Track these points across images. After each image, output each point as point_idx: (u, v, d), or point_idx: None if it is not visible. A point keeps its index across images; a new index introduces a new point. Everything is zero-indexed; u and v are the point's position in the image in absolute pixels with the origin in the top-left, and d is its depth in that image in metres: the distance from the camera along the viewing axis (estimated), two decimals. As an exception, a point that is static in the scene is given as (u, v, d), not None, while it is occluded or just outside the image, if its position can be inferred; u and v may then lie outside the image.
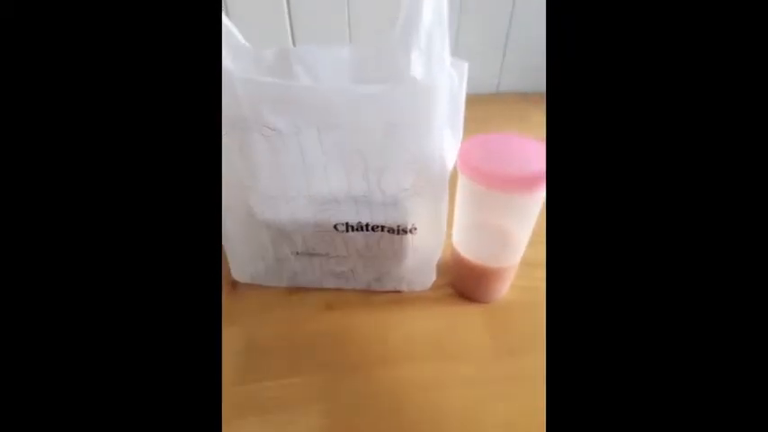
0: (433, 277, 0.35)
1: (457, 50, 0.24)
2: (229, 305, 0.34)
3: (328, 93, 0.25)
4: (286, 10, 0.63)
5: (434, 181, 0.28)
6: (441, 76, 0.25)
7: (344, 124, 0.26)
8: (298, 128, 0.26)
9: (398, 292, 0.35)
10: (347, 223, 0.30)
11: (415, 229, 0.30)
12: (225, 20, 0.26)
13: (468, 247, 0.32)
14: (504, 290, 0.34)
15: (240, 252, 0.34)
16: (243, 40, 0.28)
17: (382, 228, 0.30)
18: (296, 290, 0.35)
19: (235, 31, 0.27)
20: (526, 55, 0.73)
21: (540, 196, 0.28)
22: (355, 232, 0.31)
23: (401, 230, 0.30)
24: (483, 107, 0.46)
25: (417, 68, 0.24)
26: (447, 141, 0.28)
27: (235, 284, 0.36)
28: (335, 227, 0.30)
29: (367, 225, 0.30)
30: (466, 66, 0.26)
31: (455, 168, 0.29)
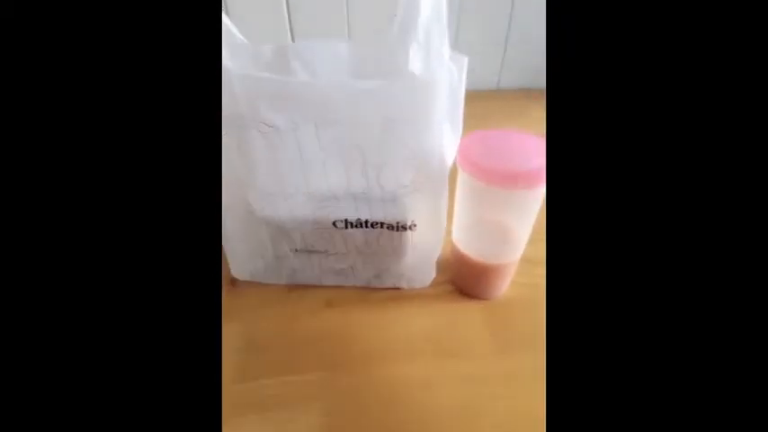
0: (433, 274, 0.35)
1: (457, 47, 0.24)
2: (229, 303, 0.34)
3: (326, 88, 0.25)
4: (285, 8, 0.63)
5: (434, 177, 0.28)
6: (440, 70, 0.24)
7: (343, 120, 0.26)
8: (295, 124, 0.26)
9: (398, 289, 0.35)
10: (346, 220, 0.30)
11: (415, 225, 0.30)
12: (224, 18, 0.25)
13: (468, 244, 0.32)
14: (504, 287, 0.34)
15: (239, 250, 0.34)
16: (241, 38, 0.27)
17: (381, 224, 0.30)
18: (295, 287, 0.35)
19: (233, 28, 0.27)
20: (527, 51, 0.73)
21: (540, 192, 0.27)
22: (354, 229, 0.30)
23: (400, 227, 0.30)
24: (483, 103, 0.46)
25: (416, 63, 0.24)
26: (446, 137, 0.27)
27: (234, 282, 0.36)
28: (334, 224, 0.30)
29: (366, 222, 0.30)
30: (465, 60, 0.26)
31: (455, 164, 0.29)
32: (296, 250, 0.33)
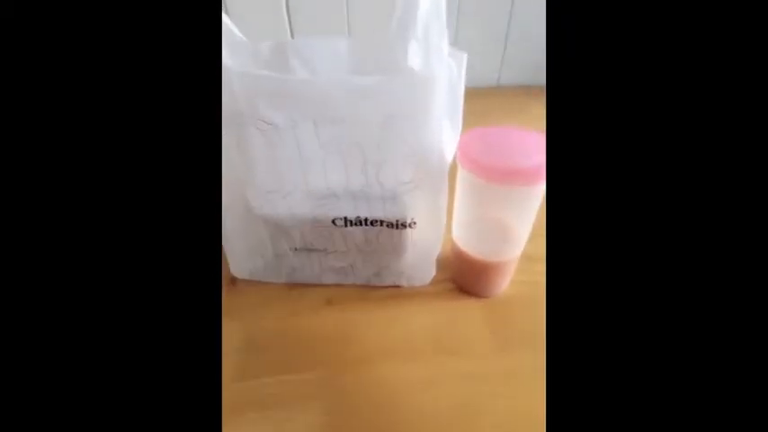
0: (433, 272, 0.35)
1: (457, 44, 0.24)
2: (228, 301, 0.34)
3: (325, 85, 0.25)
4: (285, 7, 0.63)
5: (433, 174, 0.28)
6: (439, 66, 0.24)
7: (342, 117, 0.25)
8: (294, 121, 0.26)
9: (398, 287, 0.35)
10: (346, 218, 0.30)
11: (415, 223, 0.30)
12: (223, 17, 0.25)
13: (467, 242, 0.32)
14: (504, 284, 0.34)
15: (239, 248, 0.34)
16: (240, 36, 0.27)
17: (381, 222, 0.30)
18: (295, 286, 0.35)
19: (232, 26, 0.27)
20: (527, 48, 0.73)
21: (540, 189, 0.27)
22: (354, 227, 0.30)
23: (400, 225, 0.30)
24: (483, 101, 0.46)
25: (415, 59, 0.23)
26: (446, 133, 0.27)
27: (234, 281, 0.36)
28: (334, 222, 0.30)
29: (366, 220, 0.30)
30: (465, 56, 0.26)
31: (454, 162, 0.29)
32: (295, 249, 0.32)
